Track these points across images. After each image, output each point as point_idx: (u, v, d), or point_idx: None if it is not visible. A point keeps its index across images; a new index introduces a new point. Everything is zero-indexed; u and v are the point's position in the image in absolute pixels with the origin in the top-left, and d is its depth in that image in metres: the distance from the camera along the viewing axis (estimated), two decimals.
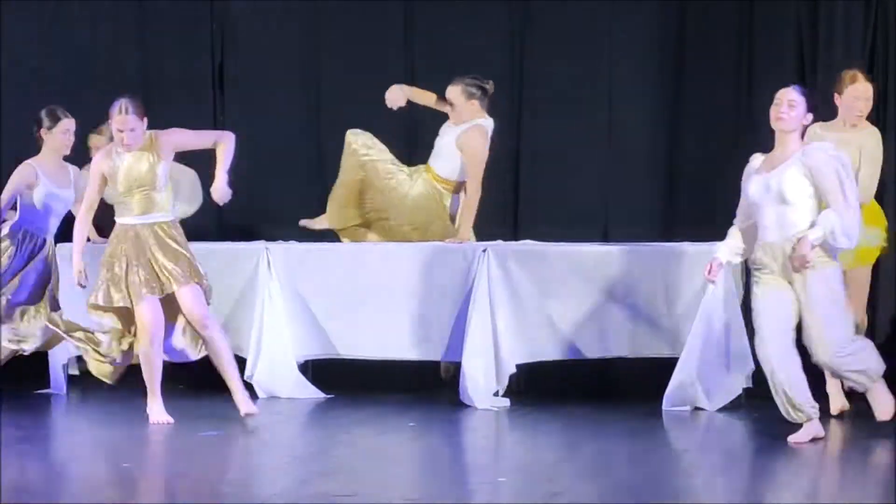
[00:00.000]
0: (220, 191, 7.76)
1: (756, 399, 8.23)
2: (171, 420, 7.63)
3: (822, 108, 7.43)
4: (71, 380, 9.03)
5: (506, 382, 8.42)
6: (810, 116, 7.02)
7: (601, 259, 8.51)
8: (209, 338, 7.68)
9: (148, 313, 7.59)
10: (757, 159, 7.18)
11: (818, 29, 9.80)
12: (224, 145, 7.80)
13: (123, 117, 7.66)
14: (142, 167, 7.64)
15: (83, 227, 7.84)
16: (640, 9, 10.15)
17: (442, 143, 8.80)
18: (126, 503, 5.77)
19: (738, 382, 8.26)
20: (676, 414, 8.07)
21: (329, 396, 8.36)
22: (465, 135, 8.69)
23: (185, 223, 8.19)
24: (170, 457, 6.96)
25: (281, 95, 10.40)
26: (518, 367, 8.45)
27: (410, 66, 10.24)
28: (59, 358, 8.88)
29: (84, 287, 7.78)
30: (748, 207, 7.13)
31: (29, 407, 8.45)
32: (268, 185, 10.16)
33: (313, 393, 8.61)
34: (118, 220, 7.72)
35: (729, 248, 7.25)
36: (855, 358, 6.90)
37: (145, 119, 7.72)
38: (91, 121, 9.02)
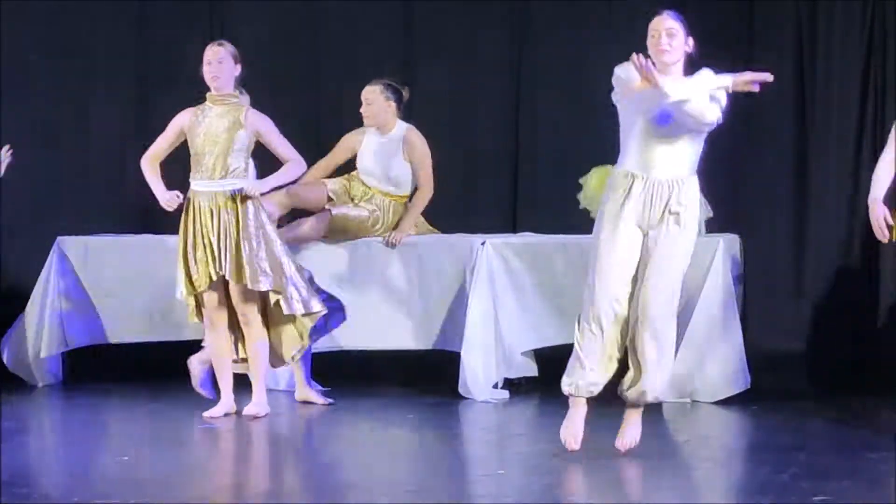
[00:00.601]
0: (256, 184, 7.69)
1: (756, 393, 8.26)
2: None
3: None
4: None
5: (516, 371, 8.44)
6: (691, 41, 6.51)
7: None
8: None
9: None
10: None
11: (817, 25, 9.80)
12: (290, 167, 7.73)
13: (216, 48, 7.65)
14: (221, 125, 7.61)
15: (149, 167, 7.76)
16: (639, 3, 10.15)
17: (387, 165, 8.61)
18: (126, 500, 5.76)
19: (738, 376, 8.26)
20: (676, 406, 8.07)
21: (325, 389, 8.35)
22: (409, 144, 8.61)
23: None
24: (168, 449, 6.96)
25: (280, 94, 10.38)
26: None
27: (410, 63, 10.23)
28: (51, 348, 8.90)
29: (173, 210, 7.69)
30: None
31: (29, 399, 8.46)
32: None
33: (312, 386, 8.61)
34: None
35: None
36: None
37: (239, 66, 7.68)
38: (88, 118, 9.01)
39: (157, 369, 8.70)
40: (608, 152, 10.13)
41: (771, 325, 9.53)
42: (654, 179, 6.27)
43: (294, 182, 8.07)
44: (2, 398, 8.17)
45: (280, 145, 7.71)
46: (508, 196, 10.16)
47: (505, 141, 10.15)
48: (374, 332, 8.56)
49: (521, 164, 10.21)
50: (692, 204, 6.34)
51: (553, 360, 8.61)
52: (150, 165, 7.75)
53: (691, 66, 6.47)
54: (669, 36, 6.38)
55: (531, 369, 8.71)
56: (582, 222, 9.48)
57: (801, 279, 9.78)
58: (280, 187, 8.04)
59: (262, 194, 7.71)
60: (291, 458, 6.75)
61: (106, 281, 8.80)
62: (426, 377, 8.89)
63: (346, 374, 8.72)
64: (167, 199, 7.64)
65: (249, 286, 7.52)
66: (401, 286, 8.61)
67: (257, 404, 7.63)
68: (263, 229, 7.61)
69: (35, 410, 8.30)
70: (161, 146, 7.75)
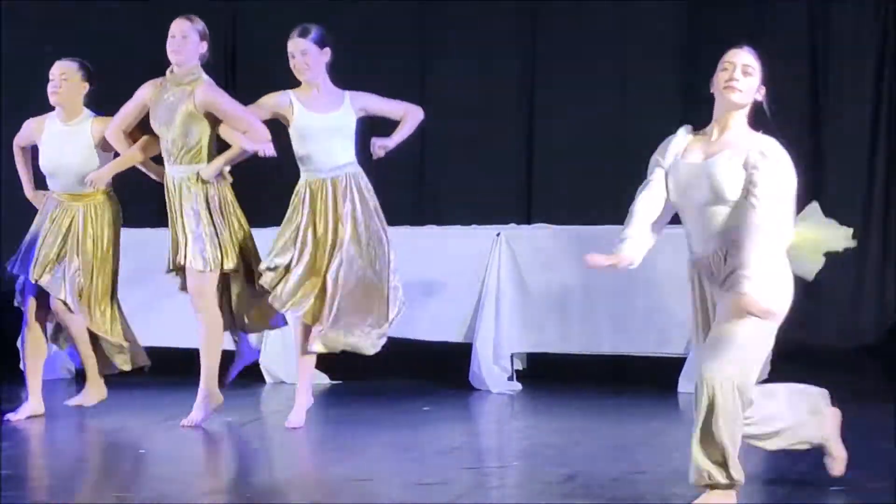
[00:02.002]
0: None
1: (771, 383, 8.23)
2: None
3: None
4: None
5: (507, 366, 8.41)
6: (763, 90, 5.44)
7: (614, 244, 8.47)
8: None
9: None
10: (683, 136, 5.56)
11: (830, 24, 9.78)
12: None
13: (181, 21, 7.45)
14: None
15: (115, 137, 7.49)
16: None
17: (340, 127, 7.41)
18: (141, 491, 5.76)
19: None
20: (691, 396, 8.03)
21: (336, 383, 8.34)
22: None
23: None
24: (183, 443, 6.95)
25: (292, 82, 10.37)
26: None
27: (424, 55, 10.23)
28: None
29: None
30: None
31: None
32: (283, 182, 10.14)
33: (320, 379, 8.58)
34: None
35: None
36: None
37: (204, 44, 7.44)
38: (99, 113, 9.01)
39: (171, 361, 8.69)
40: (622, 143, 10.20)
41: (788, 315, 9.50)
42: None
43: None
44: (2, 398, 8.18)
45: (234, 117, 7.23)
46: (523, 187, 10.15)
47: (519, 131, 10.14)
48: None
49: (535, 155, 10.20)
50: None
51: (562, 353, 8.63)
52: (115, 135, 7.45)
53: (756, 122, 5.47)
54: (745, 74, 5.37)
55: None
56: (597, 213, 9.50)
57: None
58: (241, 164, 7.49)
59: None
60: (305, 450, 6.74)
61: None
62: (439, 369, 8.88)
63: (358, 366, 8.70)
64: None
65: (190, 266, 7.21)
66: (415, 278, 8.59)
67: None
68: (219, 213, 7.26)
69: (48, 405, 8.31)
70: (126, 118, 7.41)
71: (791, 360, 8.94)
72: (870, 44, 9.67)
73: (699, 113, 10.22)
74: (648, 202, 5.44)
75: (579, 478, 5.83)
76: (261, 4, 10.56)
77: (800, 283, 9.91)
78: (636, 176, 10.10)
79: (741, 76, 5.33)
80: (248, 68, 10.61)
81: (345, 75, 10.27)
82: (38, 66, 8.15)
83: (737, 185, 5.16)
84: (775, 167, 5.17)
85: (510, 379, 8.42)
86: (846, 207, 9.80)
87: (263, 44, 10.49)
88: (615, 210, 10.07)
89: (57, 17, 10.39)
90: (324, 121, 7.21)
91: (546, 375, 8.75)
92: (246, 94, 10.88)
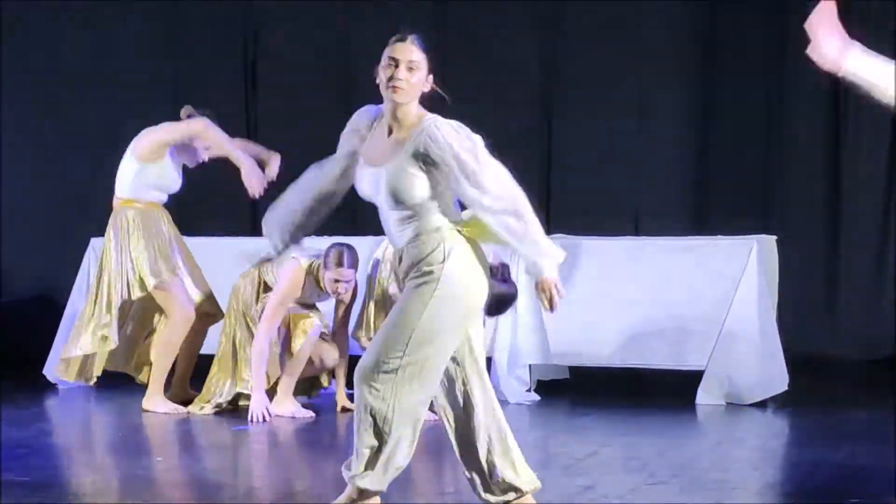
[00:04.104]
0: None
1: (790, 395, 8.23)
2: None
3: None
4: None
5: (525, 377, 8.40)
6: (431, 79, 5.19)
7: (632, 255, 8.47)
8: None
9: None
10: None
11: (850, 24, 9.77)
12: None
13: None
14: None
15: None
16: (671, 3, 10.14)
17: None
18: (159, 501, 5.76)
19: (774, 380, 8.23)
20: (710, 408, 8.04)
21: (349, 392, 8.33)
22: None
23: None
24: (202, 451, 6.96)
25: (313, 95, 10.41)
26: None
27: (442, 64, 10.23)
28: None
29: None
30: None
31: (58, 399, 8.49)
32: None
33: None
34: None
35: None
36: None
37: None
38: (121, 119, 9.04)
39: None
40: (640, 153, 10.21)
41: (806, 327, 9.50)
42: None
43: None
44: (2, 397, 8.21)
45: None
46: (541, 197, 10.16)
47: (538, 141, 10.15)
48: None
49: (553, 165, 10.21)
50: None
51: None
52: None
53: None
54: (410, 70, 5.07)
55: (563, 371, 8.69)
56: (612, 223, 9.52)
57: (836, 280, 9.75)
58: None
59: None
60: (326, 459, 6.74)
61: None
62: None
63: None
64: None
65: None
66: None
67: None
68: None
69: (66, 411, 8.33)
70: None
71: (809, 371, 8.96)
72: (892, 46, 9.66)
73: (717, 124, 10.28)
74: None
75: (597, 488, 5.83)
76: (282, 14, 10.59)
77: (820, 296, 9.91)
78: (653, 188, 10.16)
79: (406, 73, 5.06)
80: (267, 82, 10.65)
81: (361, 84, 10.33)
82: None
83: None
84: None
85: (528, 390, 8.42)
86: (865, 219, 9.80)
87: (283, 56, 10.55)
88: (632, 221, 10.14)
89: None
90: None
91: (561, 386, 8.74)
92: (270, 93, 10.95)
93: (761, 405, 8.10)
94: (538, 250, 5.00)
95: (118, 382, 8.67)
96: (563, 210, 10.07)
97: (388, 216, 4.97)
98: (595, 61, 10.17)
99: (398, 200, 4.89)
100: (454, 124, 5.00)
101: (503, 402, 8.23)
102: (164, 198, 8.10)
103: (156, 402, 8.00)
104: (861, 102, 9.52)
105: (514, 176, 9.45)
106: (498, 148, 10.90)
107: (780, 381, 8.29)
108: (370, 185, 4.97)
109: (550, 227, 9.85)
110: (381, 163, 4.95)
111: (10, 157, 10.63)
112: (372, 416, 4.97)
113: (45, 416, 8.17)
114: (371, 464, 5.04)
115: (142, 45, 10.60)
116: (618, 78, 10.20)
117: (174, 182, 8.07)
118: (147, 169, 7.94)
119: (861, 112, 9.71)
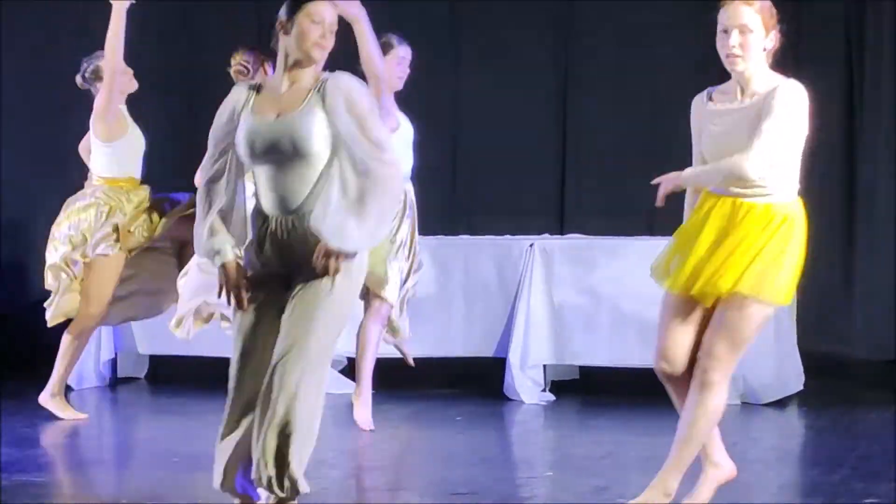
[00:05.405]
0: None
1: (806, 395, 8.21)
2: None
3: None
4: None
5: (539, 377, 8.38)
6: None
7: (647, 255, 8.45)
8: None
9: None
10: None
11: (864, 26, 9.76)
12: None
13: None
14: None
15: None
16: (685, 2, 10.13)
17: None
18: (176, 501, 5.77)
19: (790, 379, 8.21)
20: (726, 407, 8.01)
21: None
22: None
23: None
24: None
25: None
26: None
27: (456, 63, 10.23)
28: (104, 352, 8.91)
29: None
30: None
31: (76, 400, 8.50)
32: None
33: (349, 388, 8.55)
34: None
35: None
36: None
37: None
38: (134, 118, 9.06)
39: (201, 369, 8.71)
40: (655, 152, 10.17)
41: (822, 327, 9.47)
42: None
43: None
44: (2, 397, 8.22)
45: None
46: (556, 197, 10.15)
47: (552, 141, 10.14)
48: (422, 340, 8.48)
49: (568, 165, 10.20)
50: None
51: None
52: None
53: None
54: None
55: (573, 372, 8.69)
56: (630, 224, 9.49)
57: (852, 280, 9.73)
58: None
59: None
60: (338, 459, 6.73)
61: None
62: (471, 380, 8.87)
63: (391, 378, 8.71)
64: None
65: None
66: (447, 290, 8.58)
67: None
68: None
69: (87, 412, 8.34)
70: None
71: (825, 373, 8.93)
72: None
73: None
74: None
75: (612, 489, 5.82)
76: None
77: (836, 296, 9.89)
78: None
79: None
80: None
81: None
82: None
83: None
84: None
85: (543, 390, 8.41)
86: (881, 219, 9.77)
87: None
88: (648, 221, 10.11)
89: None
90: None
91: (577, 385, 8.73)
92: None
93: (777, 405, 8.07)
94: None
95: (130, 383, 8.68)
96: (577, 210, 10.06)
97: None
98: (610, 61, 10.15)
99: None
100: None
101: (518, 403, 8.25)
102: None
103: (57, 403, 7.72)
104: (878, 106, 9.53)
105: (528, 175, 9.40)
106: (512, 147, 10.93)
107: (795, 380, 8.26)
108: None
109: (565, 226, 9.88)
110: None
111: (38, 159, 10.62)
112: None
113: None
114: None
115: (154, 43, 10.59)
116: (632, 78, 10.18)
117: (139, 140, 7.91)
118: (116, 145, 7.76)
119: (876, 112, 9.68)
